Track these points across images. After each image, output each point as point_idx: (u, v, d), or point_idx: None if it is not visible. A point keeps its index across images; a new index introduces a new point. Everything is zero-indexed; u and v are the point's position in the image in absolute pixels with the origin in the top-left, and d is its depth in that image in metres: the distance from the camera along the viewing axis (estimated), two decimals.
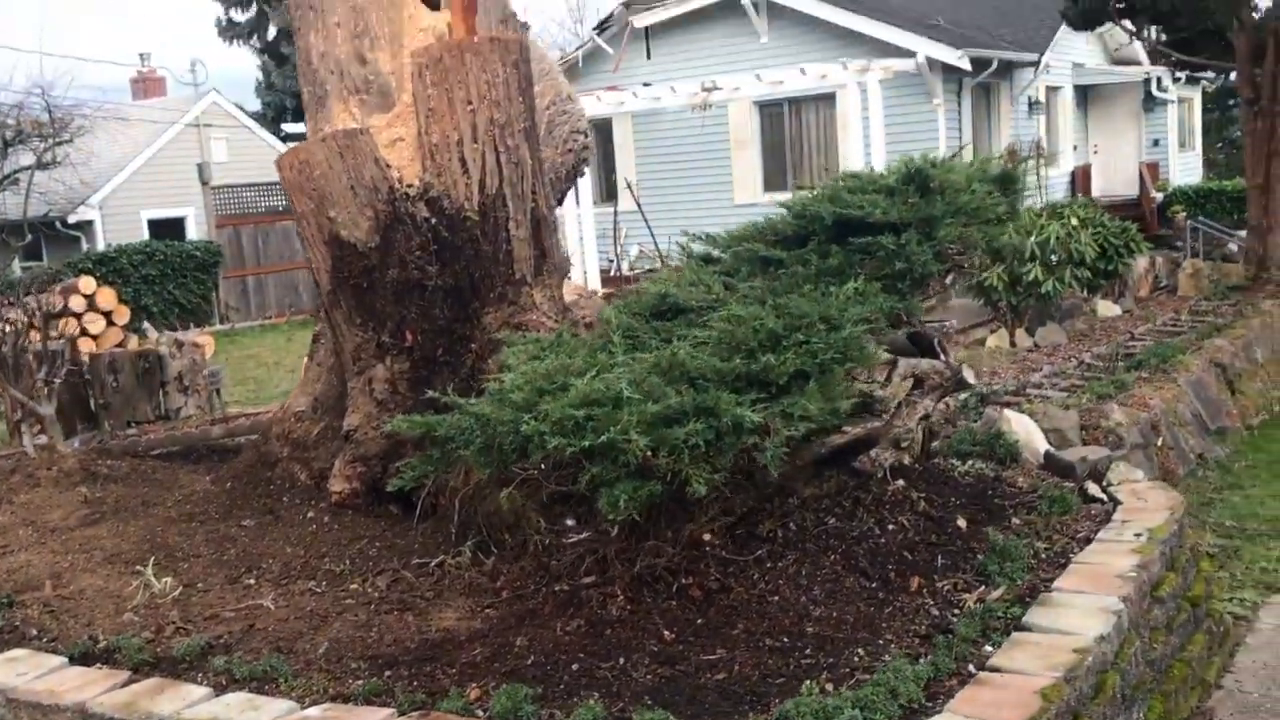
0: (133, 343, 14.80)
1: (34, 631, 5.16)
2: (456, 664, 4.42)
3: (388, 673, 4.40)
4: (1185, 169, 26.42)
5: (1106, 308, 14.42)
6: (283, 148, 28.10)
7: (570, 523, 5.15)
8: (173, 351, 10.98)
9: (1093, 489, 6.16)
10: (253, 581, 5.62)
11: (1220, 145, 35.97)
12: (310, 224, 6.15)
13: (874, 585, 4.90)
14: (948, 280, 5.35)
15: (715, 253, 5.80)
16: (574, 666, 4.31)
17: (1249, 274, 15.91)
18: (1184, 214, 20.88)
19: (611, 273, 20.44)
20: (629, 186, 20.15)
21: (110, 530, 6.42)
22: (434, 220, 6.15)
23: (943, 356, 5.86)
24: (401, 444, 6.24)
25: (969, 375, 5.77)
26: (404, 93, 6.65)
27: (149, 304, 21.28)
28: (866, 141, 18.05)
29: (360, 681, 4.33)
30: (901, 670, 3.91)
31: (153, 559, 5.71)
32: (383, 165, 6.16)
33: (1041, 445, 6.78)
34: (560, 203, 8.03)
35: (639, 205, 19.67)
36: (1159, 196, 22.68)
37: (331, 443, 6.69)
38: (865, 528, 5.34)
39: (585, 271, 19.67)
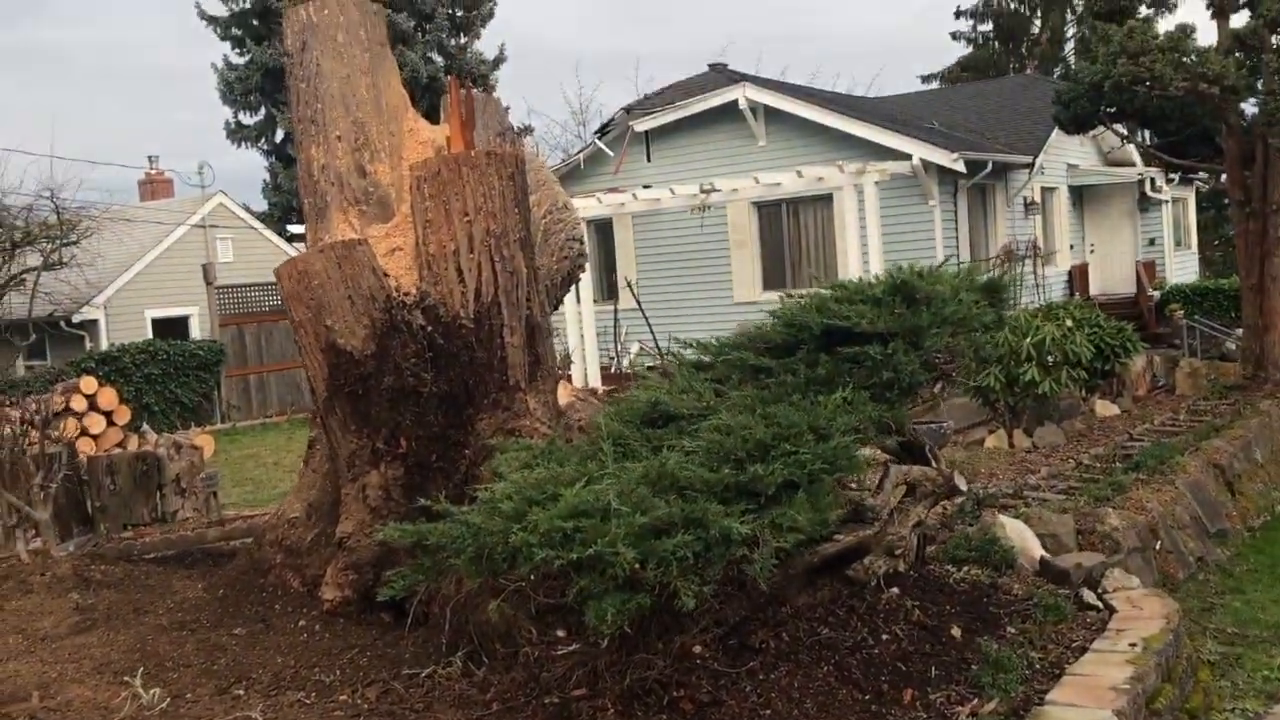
0: (132, 443, 14.82)
1: None
2: None
3: None
4: (1181, 267, 26.65)
5: (1104, 407, 14.45)
6: (288, 247, 28.47)
7: (561, 633, 5.13)
8: (171, 454, 11.00)
9: (1088, 596, 6.13)
10: (242, 692, 5.57)
11: (1217, 243, 36.31)
12: (307, 332, 6.23)
13: (867, 698, 4.86)
14: (936, 388, 5.39)
15: (707, 359, 5.86)
16: None
17: (1246, 373, 15.97)
18: (1181, 312, 21.02)
19: (612, 370, 20.53)
20: (629, 285, 20.35)
21: (100, 639, 6.37)
22: (430, 328, 6.23)
23: (934, 463, 5.88)
24: (394, 551, 6.23)
25: (960, 481, 5.79)
26: (403, 203, 6.79)
27: (151, 402, 21.36)
28: (864, 241, 18.29)
29: None
30: None
31: (141, 669, 5.67)
32: (380, 275, 6.26)
33: (1037, 551, 6.76)
34: (556, 308, 8.12)
35: (639, 303, 19.82)
36: (1156, 295, 22.84)
37: (325, 549, 6.69)
38: (859, 638, 5.32)
39: (586, 368, 19.79)
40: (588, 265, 20.01)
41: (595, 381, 20.00)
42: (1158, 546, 8.64)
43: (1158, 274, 24.43)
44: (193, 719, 5.25)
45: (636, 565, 4.12)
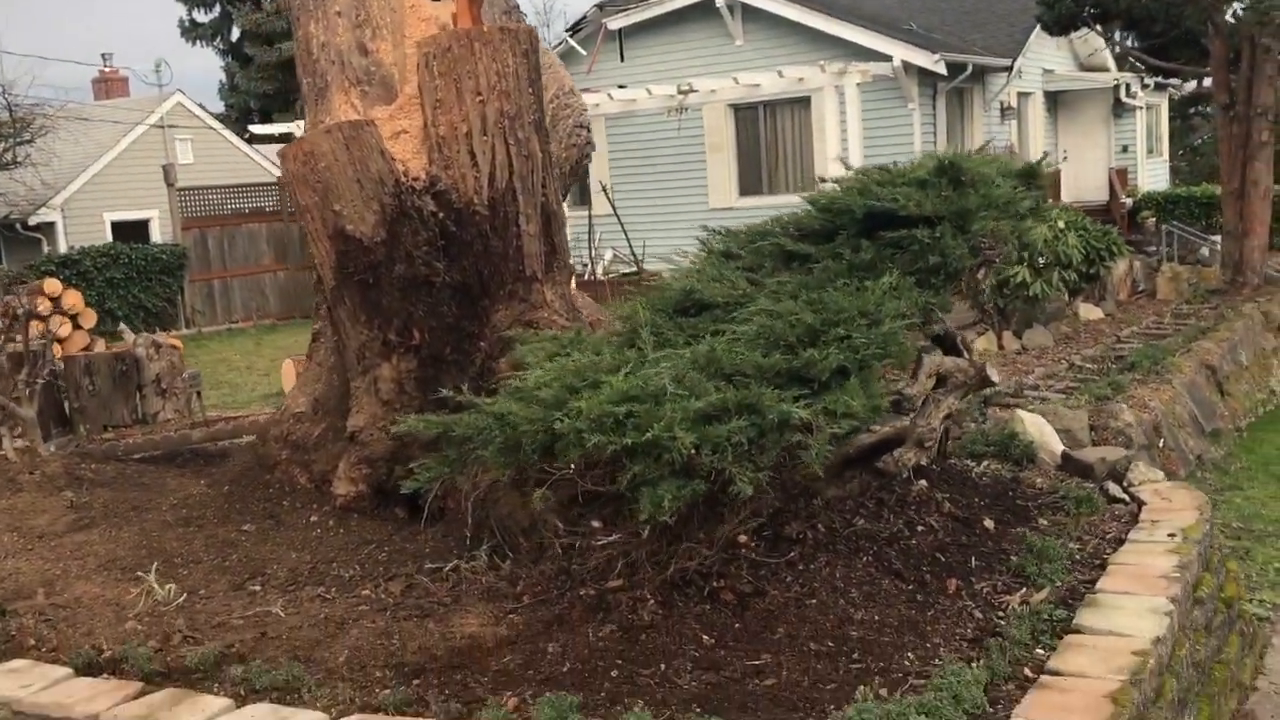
0: (99, 346, 14.43)
1: (31, 641, 4.92)
2: (488, 672, 4.24)
3: (416, 681, 4.21)
4: (1154, 175, 26.63)
5: (1088, 310, 14.43)
6: (249, 149, 27.72)
7: (596, 525, 4.99)
8: (150, 354, 10.68)
9: (1114, 489, 6.07)
10: (258, 588, 5.40)
11: (1182, 153, 36.33)
12: (314, 217, 5.95)
13: (910, 588, 4.77)
14: (979, 275, 5.23)
15: (735, 248, 5.65)
16: (613, 673, 4.14)
17: (1226, 277, 16.01)
18: (1154, 219, 21.02)
19: (585, 277, 20.26)
20: (604, 190, 20.00)
21: (102, 536, 6.17)
22: (441, 215, 5.97)
23: (965, 354, 5.75)
24: (408, 445, 6.04)
25: (993, 373, 5.66)
26: (407, 84, 6.47)
27: (114, 307, 20.81)
28: (843, 145, 18.03)
29: (388, 691, 4.14)
30: (962, 675, 3.78)
31: (155, 565, 5.47)
32: (388, 158, 5.96)
33: (1056, 446, 6.69)
34: (564, 198, 7.86)
35: (614, 209, 19.51)
36: (1129, 202, 22.82)
37: (333, 445, 6.48)
38: (895, 529, 5.22)
39: None
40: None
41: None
42: (1160, 444, 8.63)
43: (1130, 181, 24.39)
44: (211, 614, 5.08)
45: (692, 451, 3.97)
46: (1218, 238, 18.05)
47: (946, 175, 5.00)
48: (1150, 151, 26.65)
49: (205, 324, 22.81)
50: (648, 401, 4.09)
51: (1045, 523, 5.54)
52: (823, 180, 5.60)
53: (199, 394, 10.66)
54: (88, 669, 4.54)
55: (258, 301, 24.05)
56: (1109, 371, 10.48)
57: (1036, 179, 5.58)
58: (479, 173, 5.97)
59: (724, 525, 4.67)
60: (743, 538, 4.72)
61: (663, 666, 4.15)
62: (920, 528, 5.28)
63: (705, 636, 4.35)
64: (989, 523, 5.47)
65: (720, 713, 3.75)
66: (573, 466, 4.46)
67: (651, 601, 4.62)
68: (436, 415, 5.20)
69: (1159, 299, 15.96)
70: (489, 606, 4.93)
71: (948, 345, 5.74)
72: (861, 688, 3.87)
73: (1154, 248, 19.53)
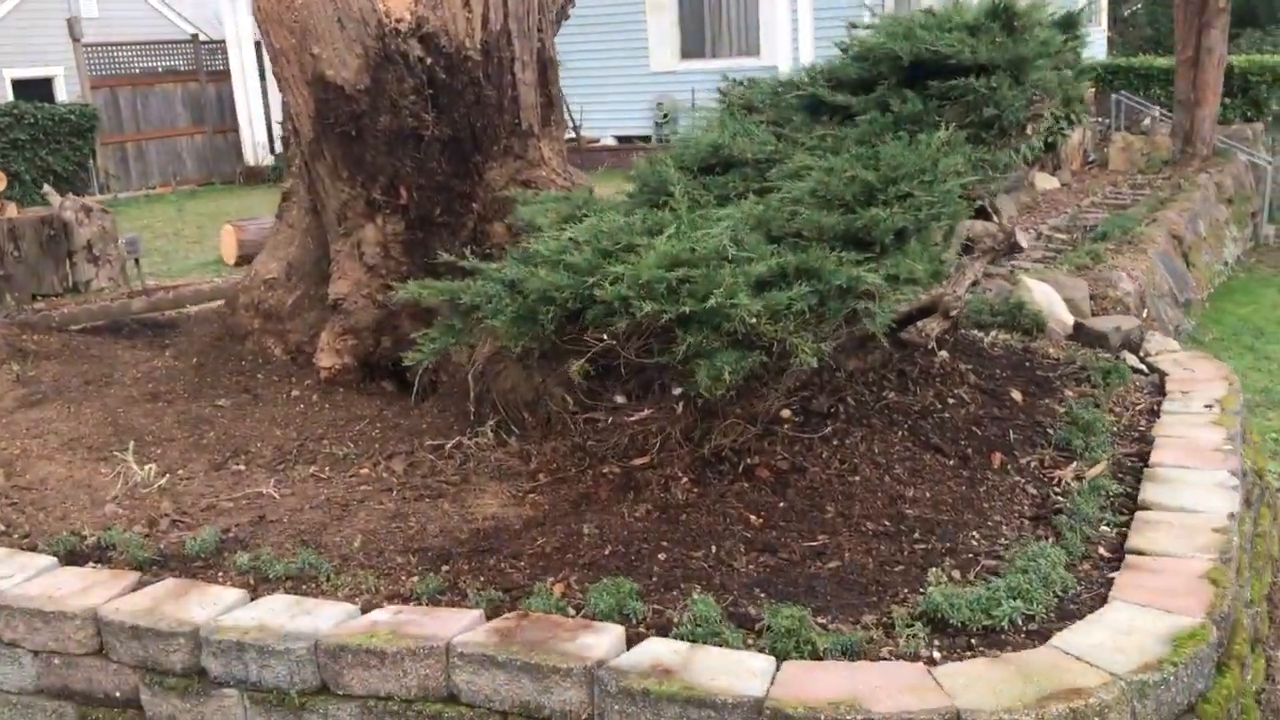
0: (11, 210, 13.54)
1: (1, 527, 4.48)
2: (522, 556, 3.92)
3: (444, 567, 3.88)
4: (1092, 43, 26.39)
5: (1044, 180, 14.26)
6: (160, 4, 26.10)
7: (620, 400, 4.66)
8: (80, 218, 9.95)
9: (1130, 359, 5.88)
10: (242, 467, 5.00)
11: (1115, 23, 36.14)
12: (290, 62, 5.39)
13: (953, 463, 4.52)
14: (1028, 130, 4.89)
15: (757, 101, 5.23)
16: (660, 556, 3.85)
17: (1177, 147, 15.91)
18: (1094, 89, 20.80)
19: None
20: None
21: (60, 413, 5.68)
22: (429, 60, 5.45)
23: (995, 217, 5.45)
24: (395, 314, 5.64)
25: (1022, 238, 5.38)
26: None
27: (21, 170, 19.58)
28: (794, 13, 17.50)
29: (415, 578, 3.81)
30: (1044, 555, 3.55)
31: (132, 444, 5.03)
32: None
33: (1065, 315, 6.48)
34: None
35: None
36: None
37: (310, 313, 6.03)
38: (926, 402, 4.96)
39: None
40: None
41: None
42: (1145, 314, 8.51)
43: None
44: (196, 496, 4.68)
45: (754, 320, 3.63)
46: (1158, 109, 17.91)
47: (999, 19, 4.62)
48: (1089, 19, 26.36)
49: (120, 189, 21.66)
50: (701, 266, 3.72)
51: (1072, 394, 5.32)
52: (853, 26, 5.18)
53: (138, 261, 9.99)
54: (70, 557, 4.14)
55: (175, 166, 22.89)
56: (1081, 241, 10.32)
57: (1078, 29, 5.22)
58: (471, 14, 5.44)
59: (764, 400, 4.37)
60: (785, 412, 4.43)
61: (713, 549, 3.86)
62: (951, 400, 5.02)
63: (752, 516, 4.07)
64: (1016, 395, 5.24)
65: (788, 598, 3.49)
66: (604, 336, 4.12)
67: (685, 480, 4.33)
68: (439, 281, 4.79)
69: (1111, 169, 15.84)
70: (503, 485, 4.61)
71: (977, 207, 5.44)
72: (933, 570, 3.63)
73: (1100, 118, 19.34)
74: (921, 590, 3.50)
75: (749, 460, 4.41)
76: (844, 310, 3.82)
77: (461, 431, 5.08)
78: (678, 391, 4.24)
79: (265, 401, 5.63)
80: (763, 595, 3.55)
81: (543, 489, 4.51)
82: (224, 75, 23.12)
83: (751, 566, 3.76)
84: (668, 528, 4.03)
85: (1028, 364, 5.79)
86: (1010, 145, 4.75)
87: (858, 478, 4.34)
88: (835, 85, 4.88)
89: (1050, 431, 4.80)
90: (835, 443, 4.59)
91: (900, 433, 4.71)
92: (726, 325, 3.59)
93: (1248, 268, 14.08)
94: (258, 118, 23.05)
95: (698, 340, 3.65)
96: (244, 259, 11.41)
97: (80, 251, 9.98)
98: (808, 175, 4.06)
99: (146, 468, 4.82)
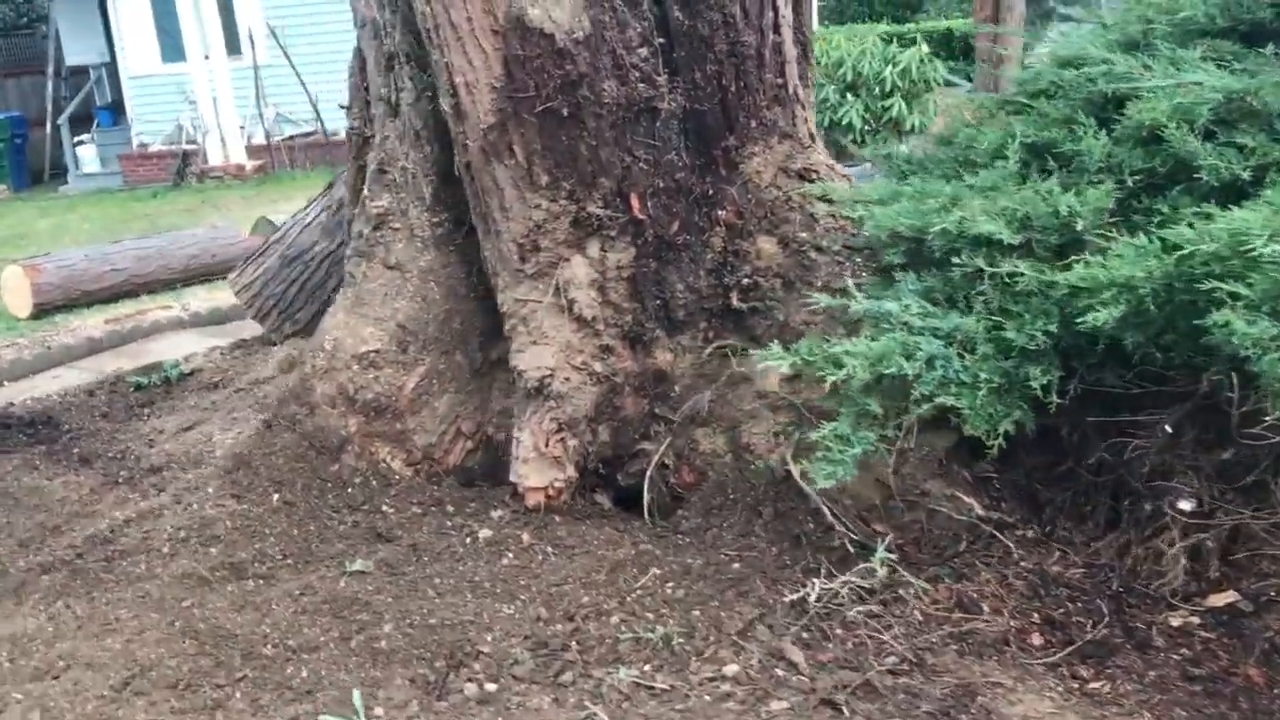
0: None
1: None
2: None
3: None
4: None
5: None
6: None
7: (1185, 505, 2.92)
8: None
9: None
10: (490, 684, 2.90)
11: None
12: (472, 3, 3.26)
13: None
14: None
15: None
16: None
17: None
18: None
19: (249, 142, 16.82)
20: (272, 33, 16.35)
21: (57, 623, 3.27)
22: None
23: None
24: (616, 391, 3.62)
25: None
26: None
27: None
28: None
29: None
30: None
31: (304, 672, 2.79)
32: None
33: None
34: None
35: (287, 55, 16.12)
36: None
37: (438, 399, 3.86)
38: None
39: (225, 140, 16.08)
40: (213, 10, 15.83)
41: (239, 156, 16.31)
42: None
43: None
44: None
45: None
46: None
47: None
48: None
49: None
50: None
51: None
52: None
53: None
54: None
55: None
56: None
57: None
58: None
59: None
60: None
61: None
62: None
63: None
64: None
65: None
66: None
67: None
68: (872, 341, 2.90)
69: None
70: (1008, 664, 2.78)
71: None
72: None
73: None
74: None
75: None
76: None
77: (810, 569, 3.18)
78: None
79: (433, 555, 3.44)
80: None
81: (1109, 672, 2.73)
82: None
83: None
84: None
85: None
86: None
87: None
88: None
89: None
90: None
91: None
92: None
93: None
94: None
95: None
96: (43, 311, 8.69)
97: None
98: None
99: None
